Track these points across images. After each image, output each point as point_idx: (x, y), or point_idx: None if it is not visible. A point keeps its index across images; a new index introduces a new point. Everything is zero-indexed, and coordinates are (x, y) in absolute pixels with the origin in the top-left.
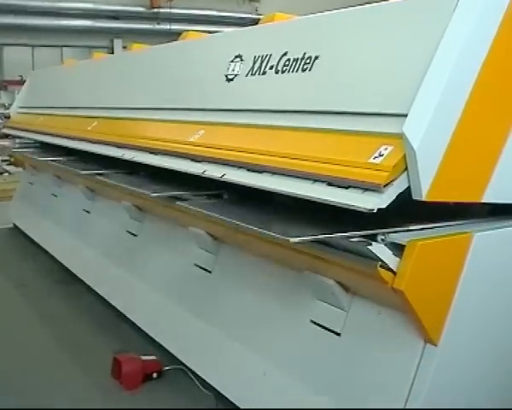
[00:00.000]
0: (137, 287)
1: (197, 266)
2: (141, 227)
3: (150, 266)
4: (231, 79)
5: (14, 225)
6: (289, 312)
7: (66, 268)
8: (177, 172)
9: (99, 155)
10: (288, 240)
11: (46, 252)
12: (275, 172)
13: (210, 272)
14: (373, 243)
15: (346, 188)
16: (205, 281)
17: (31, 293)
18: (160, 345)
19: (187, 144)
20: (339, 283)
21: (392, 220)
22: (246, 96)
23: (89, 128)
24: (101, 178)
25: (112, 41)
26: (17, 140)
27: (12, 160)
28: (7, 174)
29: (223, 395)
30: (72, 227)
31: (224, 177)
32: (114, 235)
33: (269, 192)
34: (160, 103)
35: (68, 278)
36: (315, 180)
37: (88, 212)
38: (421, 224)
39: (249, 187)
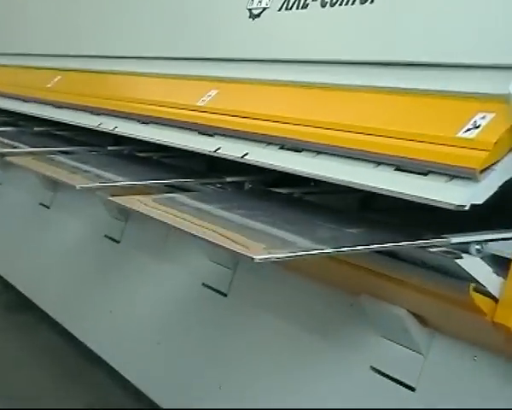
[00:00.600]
0: (119, 318)
1: (207, 286)
2: (124, 229)
3: (139, 288)
4: (257, 15)
5: None
6: (339, 353)
7: (16, 289)
8: (180, 150)
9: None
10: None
11: None
12: (319, 150)
13: (225, 295)
14: (463, 254)
15: (425, 175)
16: (217, 305)
17: None
18: (150, 399)
19: (193, 110)
20: (412, 313)
21: (485, 222)
22: (278, 40)
23: (49, 85)
24: (61, 158)
25: None
26: None
27: None
28: None
29: None
30: (24, 229)
31: (247, 157)
32: (86, 241)
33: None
34: (153, 51)
35: (19, 302)
36: (378, 163)
37: (47, 207)
38: None
39: (281, 172)
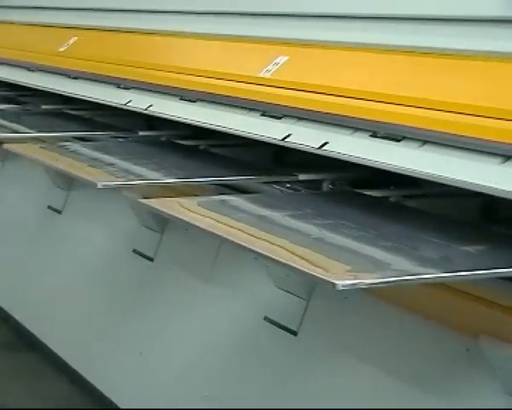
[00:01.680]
0: (151, 362)
1: (270, 320)
2: (160, 242)
3: (179, 320)
4: None
5: None
6: None
7: (17, 321)
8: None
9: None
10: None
11: None
12: (427, 139)
13: (295, 333)
14: None
15: None
16: (284, 346)
17: None
18: None
19: (254, 83)
20: None
21: None
22: None
23: (62, 49)
24: (77, 146)
25: None
26: None
27: None
28: None
29: None
30: (29, 241)
31: (326, 148)
32: (108, 258)
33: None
34: (199, 3)
35: (19, 339)
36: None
37: (58, 211)
38: None
39: (373, 168)
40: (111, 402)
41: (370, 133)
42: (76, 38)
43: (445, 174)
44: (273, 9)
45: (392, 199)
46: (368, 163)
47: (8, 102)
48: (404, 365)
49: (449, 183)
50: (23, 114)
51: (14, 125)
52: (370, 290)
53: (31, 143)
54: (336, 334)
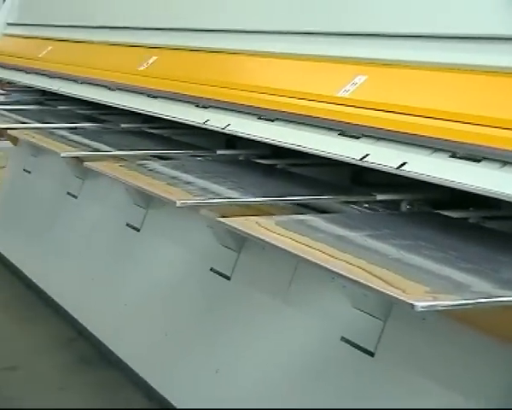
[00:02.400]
0: (227, 380)
1: (347, 341)
2: (237, 261)
3: (256, 339)
4: None
5: None
6: None
7: (93, 335)
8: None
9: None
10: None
11: (54, 303)
12: (503, 159)
13: (372, 354)
14: None
15: None
16: (362, 368)
17: (25, 381)
18: None
19: (332, 103)
20: None
21: None
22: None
23: (141, 68)
24: (155, 165)
25: None
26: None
27: None
28: None
29: None
30: (107, 258)
31: (404, 168)
32: (187, 276)
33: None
34: (277, 22)
35: (99, 354)
36: None
37: (137, 229)
38: None
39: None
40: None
41: (449, 154)
42: (155, 57)
43: None
44: (352, 29)
45: (471, 220)
46: (447, 184)
47: (89, 121)
48: (482, 388)
49: None
50: (103, 133)
51: (95, 144)
52: (448, 312)
53: (110, 162)
54: (413, 355)
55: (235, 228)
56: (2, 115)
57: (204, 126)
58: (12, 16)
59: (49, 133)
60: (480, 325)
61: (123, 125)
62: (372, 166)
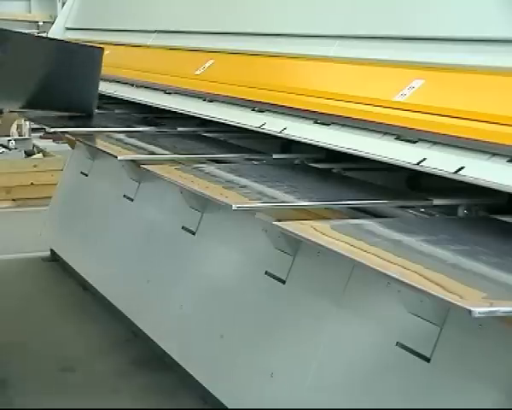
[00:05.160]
0: (282, 384)
1: (403, 346)
2: (292, 265)
3: (309, 344)
4: None
5: (53, 252)
6: None
7: (149, 338)
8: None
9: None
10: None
11: (110, 305)
12: None
13: (428, 359)
14: None
15: None
16: (418, 373)
17: (82, 385)
18: None
19: (390, 107)
20: None
21: None
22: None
23: (198, 72)
24: (211, 168)
25: None
26: None
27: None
28: (40, 155)
29: None
30: (163, 260)
31: (461, 173)
32: (241, 279)
33: None
34: (333, 26)
35: (154, 356)
36: None
37: (192, 232)
38: None
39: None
40: None
41: (507, 158)
42: (212, 61)
43: None
44: (409, 33)
45: None
46: (504, 189)
47: (146, 124)
48: None
49: None
50: (160, 136)
51: (151, 147)
52: (505, 319)
53: (166, 165)
54: (469, 362)
55: (291, 232)
56: (61, 118)
57: (260, 130)
58: (70, 21)
59: (106, 136)
60: None
61: (179, 129)
62: (429, 170)
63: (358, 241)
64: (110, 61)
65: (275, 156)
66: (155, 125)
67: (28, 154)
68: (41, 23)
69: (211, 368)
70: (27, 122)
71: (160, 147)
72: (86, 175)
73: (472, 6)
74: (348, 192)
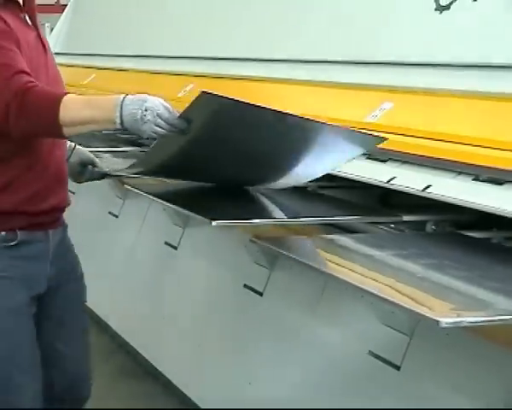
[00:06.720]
0: (259, 391)
1: (375, 356)
2: (269, 279)
3: (286, 354)
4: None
5: None
6: None
7: (134, 349)
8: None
9: None
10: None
11: (95, 316)
12: None
13: (398, 368)
14: None
15: None
16: (387, 381)
17: None
18: None
19: (360, 127)
20: None
21: None
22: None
23: (180, 94)
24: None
25: None
26: None
27: None
28: None
29: None
30: (147, 274)
31: (429, 191)
32: (222, 292)
33: None
34: (304, 53)
35: (136, 366)
36: None
37: (174, 247)
38: None
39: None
40: None
41: (473, 177)
42: (193, 84)
43: None
44: (379, 58)
45: (494, 240)
46: (470, 205)
47: (131, 145)
48: (507, 401)
49: None
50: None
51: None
52: (472, 328)
53: (149, 181)
54: (438, 370)
55: (268, 247)
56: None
57: None
58: (58, 46)
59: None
60: (502, 340)
61: None
62: (398, 188)
63: (332, 255)
64: (96, 84)
65: None
66: (139, 145)
67: None
68: None
69: (191, 377)
70: None
71: None
72: (73, 193)
73: (439, 32)
74: (322, 209)
